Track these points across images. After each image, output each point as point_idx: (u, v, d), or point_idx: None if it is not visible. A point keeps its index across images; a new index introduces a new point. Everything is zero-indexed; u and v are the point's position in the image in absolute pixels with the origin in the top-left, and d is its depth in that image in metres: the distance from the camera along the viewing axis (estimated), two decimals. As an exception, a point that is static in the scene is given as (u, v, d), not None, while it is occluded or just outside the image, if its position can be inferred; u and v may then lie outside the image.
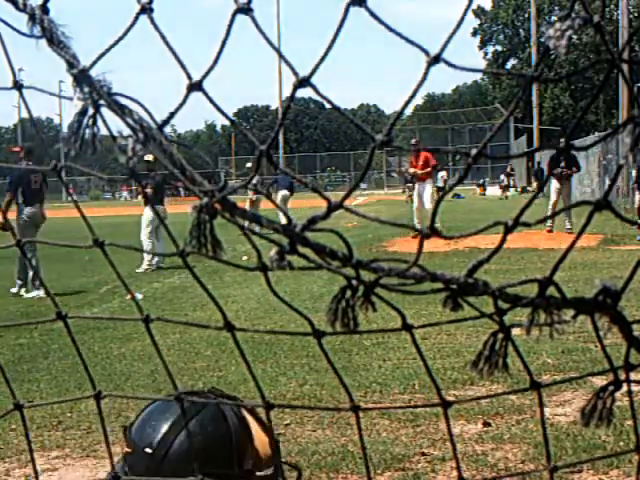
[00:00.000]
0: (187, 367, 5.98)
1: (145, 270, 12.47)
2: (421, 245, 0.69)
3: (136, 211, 13.75)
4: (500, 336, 0.73)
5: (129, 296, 9.84)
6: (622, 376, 0.71)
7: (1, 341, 7.40)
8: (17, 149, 10.81)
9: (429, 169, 16.31)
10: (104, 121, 0.74)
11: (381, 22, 0.65)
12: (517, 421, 4.49)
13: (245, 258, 12.48)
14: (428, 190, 16.29)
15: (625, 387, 0.72)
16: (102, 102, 0.72)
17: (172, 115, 0.73)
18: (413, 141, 18.01)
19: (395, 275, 0.70)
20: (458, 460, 0.86)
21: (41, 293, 9.98)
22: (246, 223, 0.78)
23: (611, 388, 0.71)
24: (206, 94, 0.72)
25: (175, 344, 6.74)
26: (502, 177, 46.93)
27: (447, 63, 0.65)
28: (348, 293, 0.73)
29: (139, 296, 9.79)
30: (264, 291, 9.62)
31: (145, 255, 12.83)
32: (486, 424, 4.45)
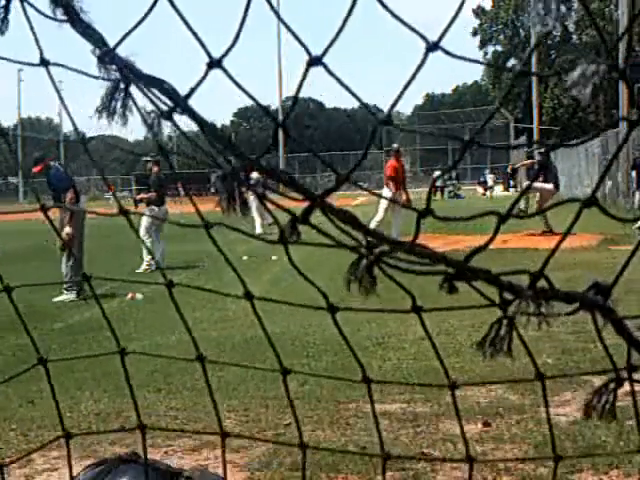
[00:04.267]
0: (187, 367, 5.97)
1: (145, 270, 12.50)
2: (418, 224, 0.69)
3: (135, 211, 13.73)
4: (505, 322, 0.74)
5: (129, 296, 9.85)
6: (623, 374, 0.71)
7: (1, 341, 7.39)
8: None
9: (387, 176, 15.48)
10: (132, 99, 0.75)
11: (384, 6, 0.65)
12: (517, 421, 4.49)
13: (245, 258, 12.48)
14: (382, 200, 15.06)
15: (626, 386, 0.72)
16: (132, 76, 0.73)
17: (193, 90, 0.74)
18: (395, 146, 16.27)
19: (401, 247, 0.70)
20: (466, 441, 0.86)
21: (72, 296, 9.99)
22: (259, 226, 0.78)
23: (612, 385, 0.71)
24: (225, 71, 0.72)
25: (174, 344, 6.73)
26: (487, 176, 46.97)
27: (445, 51, 0.65)
28: (363, 262, 0.74)
29: (139, 296, 9.79)
30: (264, 291, 9.61)
31: (144, 255, 12.85)
32: (486, 424, 4.45)
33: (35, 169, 10.56)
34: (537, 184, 15.62)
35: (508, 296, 0.72)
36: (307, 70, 0.70)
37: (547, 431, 3.94)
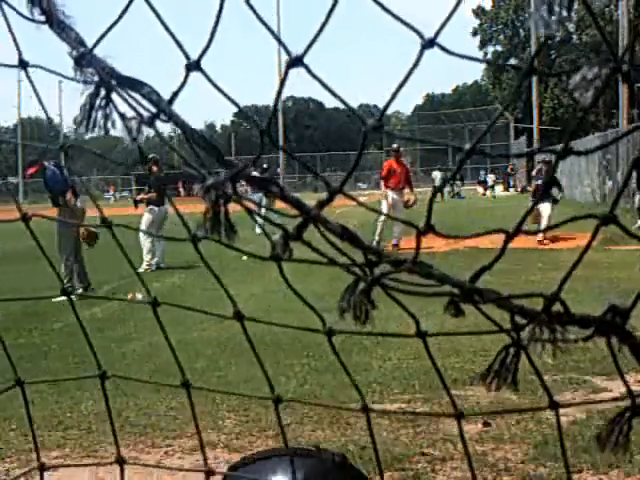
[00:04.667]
0: (187, 367, 5.94)
1: (145, 270, 12.50)
2: (418, 242, 0.68)
3: (135, 211, 13.73)
4: (512, 351, 0.71)
5: (129, 296, 9.84)
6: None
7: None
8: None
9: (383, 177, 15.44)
10: (113, 104, 0.74)
11: (377, 2, 0.65)
12: (517, 421, 4.49)
13: (245, 258, 12.47)
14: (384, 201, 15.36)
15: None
16: (113, 82, 0.72)
17: (176, 94, 0.72)
18: (395, 146, 15.97)
19: (401, 264, 0.69)
20: (472, 468, 0.86)
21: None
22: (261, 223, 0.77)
23: (628, 414, 0.69)
24: (204, 73, 0.71)
25: (175, 344, 6.72)
26: (485, 177, 47.41)
27: (441, 48, 0.64)
28: (361, 285, 0.72)
29: (139, 296, 9.79)
30: (264, 292, 9.61)
31: (144, 255, 12.85)
32: (486, 424, 4.45)
33: (30, 170, 10.57)
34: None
35: (520, 320, 0.70)
36: (287, 71, 0.69)
37: (547, 431, 3.93)
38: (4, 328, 7.86)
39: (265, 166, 23.07)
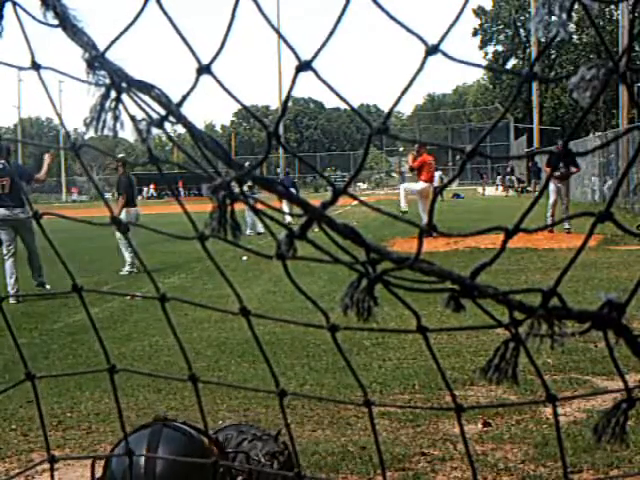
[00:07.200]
0: (187, 367, 5.96)
1: (129, 273, 12.14)
2: (421, 241, 0.68)
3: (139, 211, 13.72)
4: (511, 345, 0.72)
5: (129, 297, 9.85)
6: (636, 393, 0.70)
7: (1, 341, 7.39)
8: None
9: (411, 168, 16.90)
10: (124, 105, 0.74)
11: (382, 9, 0.65)
12: (517, 421, 4.49)
13: (245, 258, 12.48)
14: (402, 189, 17.20)
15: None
16: (124, 85, 0.73)
17: (185, 98, 0.73)
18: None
19: (403, 262, 0.69)
20: (473, 465, 0.86)
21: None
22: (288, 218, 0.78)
23: (624, 406, 0.69)
24: (215, 77, 0.72)
25: (175, 344, 6.72)
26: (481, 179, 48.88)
27: (445, 54, 0.65)
28: (364, 282, 0.73)
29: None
30: (264, 291, 9.61)
31: (127, 258, 12.41)
32: (486, 424, 4.45)
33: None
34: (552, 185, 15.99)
35: (518, 316, 0.71)
36: (296, 75, 0.70)
37: (547, 431, 3.93)
38: (4, 327, 7.87)
39: (285, 171, 23.63)
